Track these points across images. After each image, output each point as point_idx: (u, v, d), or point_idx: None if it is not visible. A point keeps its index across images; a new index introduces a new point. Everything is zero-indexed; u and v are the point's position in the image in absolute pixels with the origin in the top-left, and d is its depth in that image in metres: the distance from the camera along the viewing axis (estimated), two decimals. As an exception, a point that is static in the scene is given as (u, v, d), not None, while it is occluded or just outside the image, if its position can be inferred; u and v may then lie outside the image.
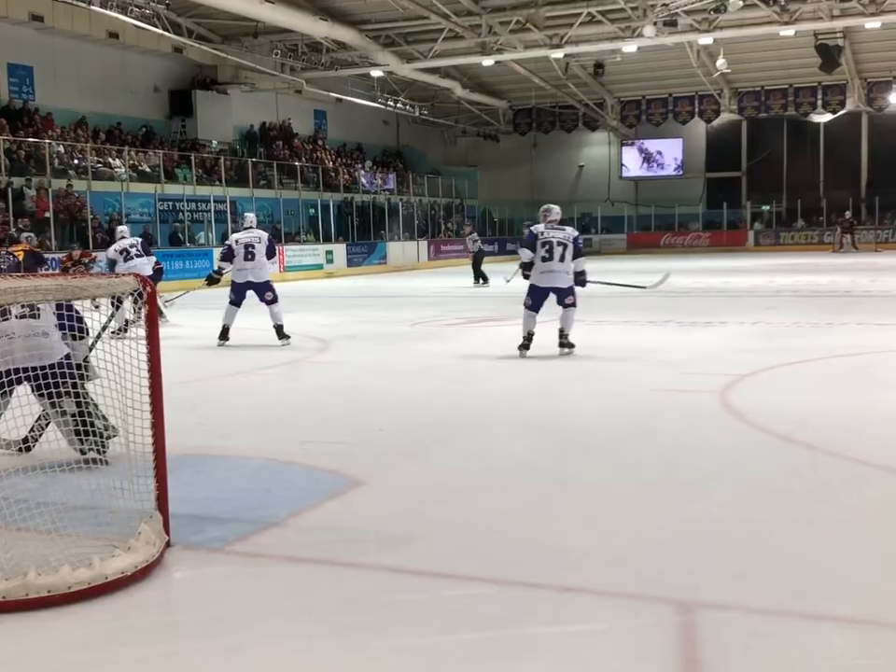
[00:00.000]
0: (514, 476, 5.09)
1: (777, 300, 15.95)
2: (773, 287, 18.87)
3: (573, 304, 9.62)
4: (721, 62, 31.60)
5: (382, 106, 35.93)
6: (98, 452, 4.48)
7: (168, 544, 3.87)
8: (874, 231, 37.95)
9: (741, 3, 22.27)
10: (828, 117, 39.94)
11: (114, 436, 4.55)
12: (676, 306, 15.14)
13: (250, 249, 11.14)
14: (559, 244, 9.43)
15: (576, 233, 9.74)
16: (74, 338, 4.84)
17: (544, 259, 9.44)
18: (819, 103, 39.17)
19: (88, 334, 4.98)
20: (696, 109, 40.56)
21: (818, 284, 19.12)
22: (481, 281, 21.52)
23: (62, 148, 23.96)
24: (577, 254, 9.52)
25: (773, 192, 41.46)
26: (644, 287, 12.37)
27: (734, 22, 27.20)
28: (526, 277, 9.74)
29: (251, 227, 11.58)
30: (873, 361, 8.95)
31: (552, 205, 9.93)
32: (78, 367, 4.56)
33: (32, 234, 15.55)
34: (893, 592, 3.40)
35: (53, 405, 4.93)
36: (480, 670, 2.83)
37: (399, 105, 36.75)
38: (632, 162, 44.05)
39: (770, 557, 3.76)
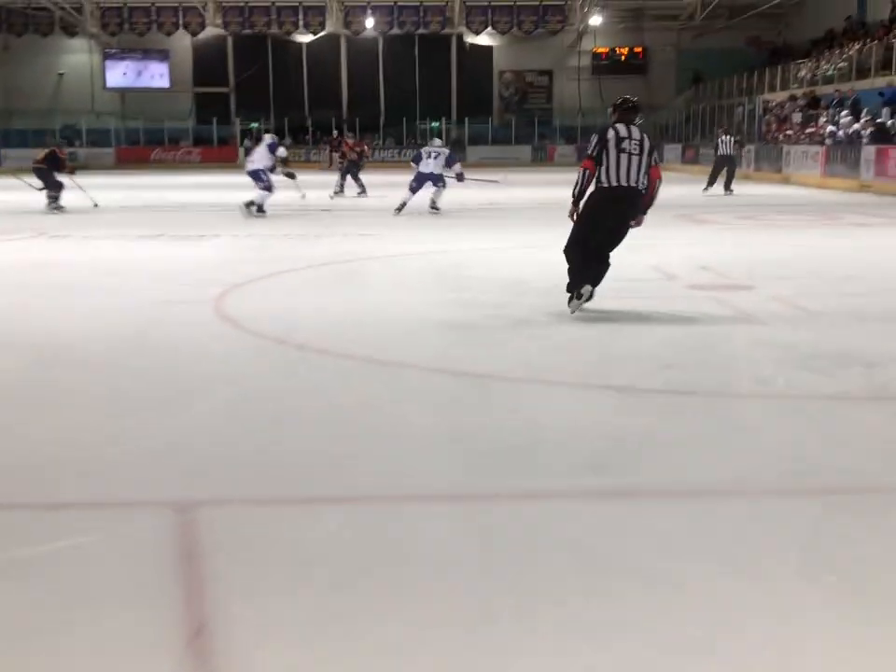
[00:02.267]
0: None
1: (268, 213, 16.27)
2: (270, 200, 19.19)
3: (443, 185, 15.69)
4: (204, -28, 31.10)
5: None
6: None
7: None
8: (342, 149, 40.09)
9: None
10: (310, 37, 41.31)
11: None
12: (169, 220, 14.87)
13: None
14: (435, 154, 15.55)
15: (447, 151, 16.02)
16: None
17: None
18: (301, 23, 40.34)
19: None
20: (181, 21, 39.71)
21: (309, 198, 19.79)
22: None
23: None
24: (451, 161, 15.64)
25: (261, 109, 42.09)
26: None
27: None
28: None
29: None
30: (358, 267, 9.54)
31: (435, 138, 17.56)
32: None
33: None
34: (375, 467, 3.65)
35: None
36: (-40, 604, 2.57)
37: None
38: (117, 73, 42.02)
39: (265, 452, 3.85)
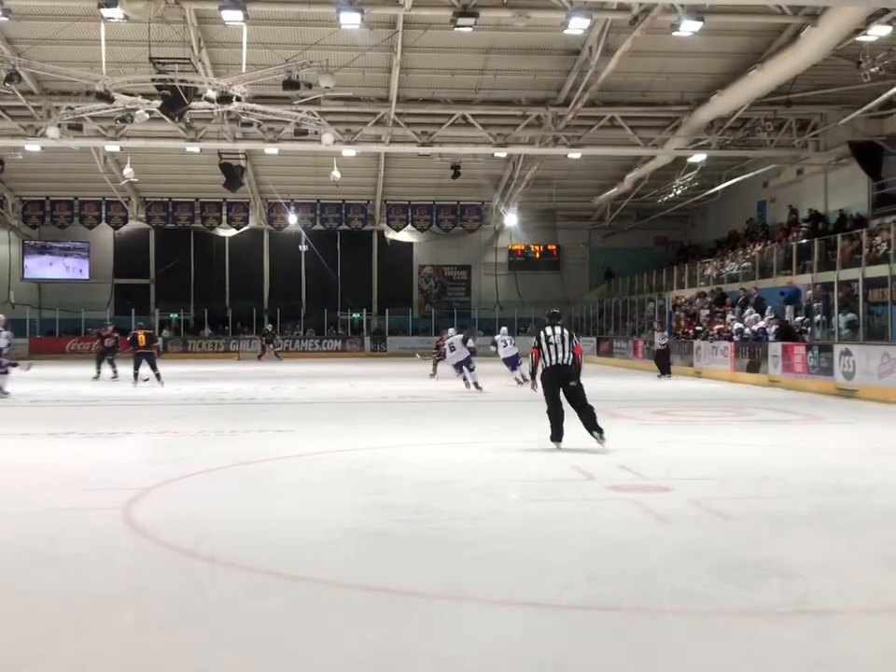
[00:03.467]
0: None
1: (184, 408, 16.10)
2: (180, 395, 19.03)
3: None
4: (128, 170, 31.85)
5: None
6: None
7: None
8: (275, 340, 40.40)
9: (147, 116, 22.66)
10: (233, 231, 42.18)
11: None
12: (80, 416, 14.56)
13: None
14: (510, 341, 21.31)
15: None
16: None
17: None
18: (225, 218, 41.27)
19: None
20: (103, 215, 40.28)
21: (223, 391, 19.70)
22: None
23: None
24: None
25: (181, 301, 42.32)
26: None
27: (140, 133, 27.62)
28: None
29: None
30: (272, 468, 9.35)
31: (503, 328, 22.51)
32: None
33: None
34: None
35: None
36: None
37: None
38: (36, 264, 42.06)
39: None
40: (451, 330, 21.35)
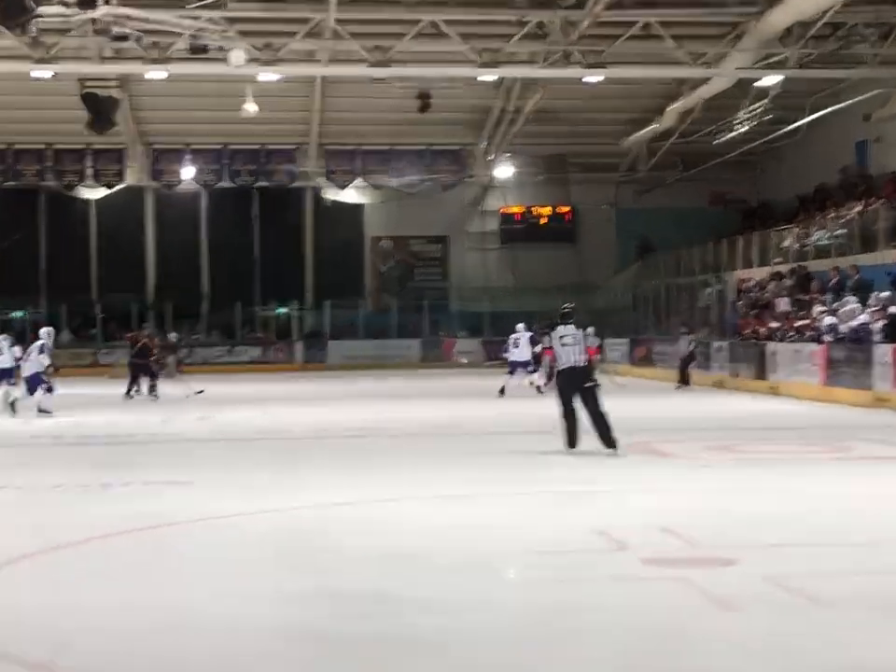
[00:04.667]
0: None
1: (33, 451, 16.05)
2: (27, 430, 18.92)
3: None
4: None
5: None
6: None
7: None
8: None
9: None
10: (102, 192, 41.89)
11: None
12: None
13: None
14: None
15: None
16: None
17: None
18: (90, 172, 40.95)
19: None
20: None
21: (91, 425, 19.63)
22: None
23: None
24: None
25: (26, 293, 41.78)
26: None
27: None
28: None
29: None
30: (165, 539, 9.35)
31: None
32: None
33: None
34: None
35: None
36: None
37: None
38: None
39: None
40: (520, 325, 25.66)
